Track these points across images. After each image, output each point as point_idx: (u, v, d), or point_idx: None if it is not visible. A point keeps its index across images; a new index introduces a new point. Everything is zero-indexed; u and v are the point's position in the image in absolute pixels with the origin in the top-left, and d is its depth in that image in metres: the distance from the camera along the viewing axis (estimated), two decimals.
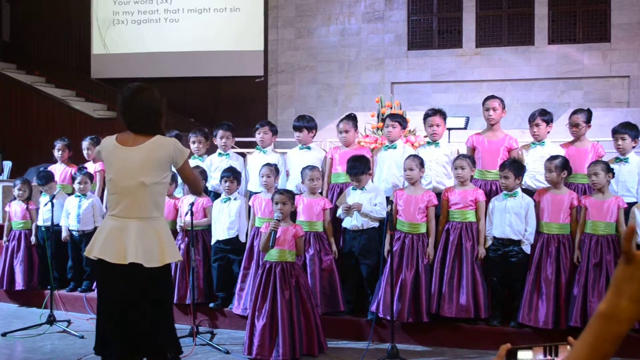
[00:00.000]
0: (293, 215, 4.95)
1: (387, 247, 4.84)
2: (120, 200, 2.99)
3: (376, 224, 5.07)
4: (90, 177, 6.12)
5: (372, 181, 5.24)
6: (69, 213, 6.09)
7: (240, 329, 5.04)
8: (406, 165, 4.96)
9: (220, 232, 5.37)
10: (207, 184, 5.72)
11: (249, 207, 5.32)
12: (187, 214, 5.07)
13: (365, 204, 5.01)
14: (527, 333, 4.78)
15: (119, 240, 2.94)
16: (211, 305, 5.46)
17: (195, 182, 3.18)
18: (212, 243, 5.44)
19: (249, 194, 5.60)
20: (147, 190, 2.96)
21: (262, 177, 5.14)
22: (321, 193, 5.33)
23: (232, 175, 5.35)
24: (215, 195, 5.71)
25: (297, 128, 5.50)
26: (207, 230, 5.52)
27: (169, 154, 3.02)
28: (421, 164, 4.95)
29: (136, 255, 2.93)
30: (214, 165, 5.81)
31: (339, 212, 5.00)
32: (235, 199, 5.37)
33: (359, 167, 4.96)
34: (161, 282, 3.05)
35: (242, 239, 5.33)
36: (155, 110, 3.05)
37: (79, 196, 6.04)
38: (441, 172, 5.31)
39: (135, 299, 2.99)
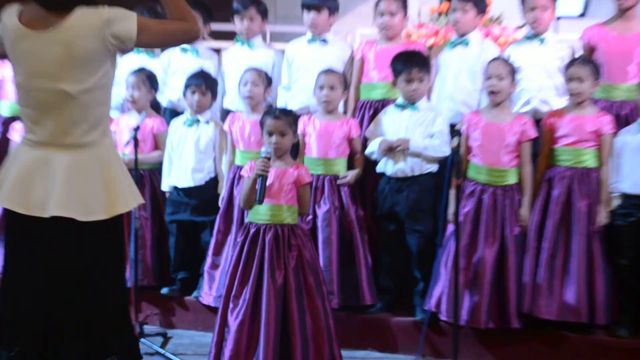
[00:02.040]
0: (296, 148, 4.79)
1: (452, 206, 4.61)
2: (37, 119, 2.99)
3: (434, 168, 4.85)
4: None
5: (429, 99, 5.05)
6: None
7: (212, 329, 4.62)
8: (489, 72, 4.68)
9: (180, 176, 5.25)
10: (160, 97, 5.68)
11: (226, 134, 5.20)
12: (127, 144, 4.84)
13: (417, 135, 4.79)
14: None
15: (38, 180, 2.94)
16: (164, 291, 5.32)
17: (182, 30, 3.06)
18: (167, 192, 5.34)
19: (225, 114, 5.54)
20: (75, 103, 2.94)
21: (245, 85, 5.05)
22: (345, 113, 5.24)
23: (202, 83, 5.18)
24: (173, 114, 5.60)
25: (308, 6, 5.35)
26: (159, 170, 5.37)
27: (102, 35, 2.94)
28: (513, 71, 4.70)
29: (64, 204, 2.92)
30: (173, 67, 5.68)
31: (371, 149, 4.87)
32: (207, 122, 5.24)
33: (415, 61, 4.79)
34: (108, 246, 3.06)
35: (220, 189, 5.21)
36: None
37: None
38: (547, 85, 5.03)
39: (63, 275, 2.98)
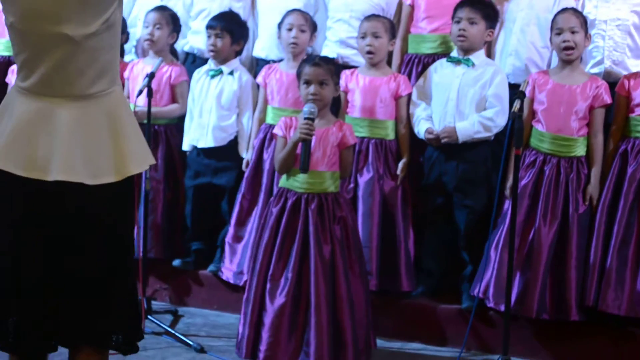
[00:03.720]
0: (337, 105, 4.61)
1: (510, 179, 4.43)
2: (35, 66, 2.90)
3: (489, 135, 4.63)
4: None
5: (488, 55, 4.85)
6: None
7: (230, 309, 4.92)
8: (559, 25, 4.46)
9: (201, 134, 5.09)
10: (181, 41, 5.45)
11: (258, 87, 5.04)
12: (139, 93, 4.63)
13: (470, 96, 4.54)
14: None
15: (39, 136, 2.88)
16: (176, 263, 5.18)
17: None
18: (187, 151, 5.21)
19: (256, 63, 5.36)
20: (79, 48, 2.84)
21: (290, 30, 4.85)
22: (390, 65, 5.03)
23: (219, 24, 4.95)
24: (198, 63, 5.40)
25: None
26: (177, 126, 5.25)
27: None
28: (586, 23, 4.49)
29: (70, 166, 2.84)
30: (197, 7, 5.44)
31: (418, 127, 4.69)
32: (232, 72, 5.03)
33: (471, 0, 4.62)
34: (118, 213, 2.99)
35: (243, 151, 5.07)
36: None
37: None
38: (622, 43, 4.75)
39: (65, 244, 2.90)
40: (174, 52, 5.38)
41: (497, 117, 4.54)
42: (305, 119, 3.93)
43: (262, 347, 4.09)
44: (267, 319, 4.10)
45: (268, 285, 4.12)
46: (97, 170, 2.89)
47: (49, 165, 2.86)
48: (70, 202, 2.91)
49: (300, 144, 3.95)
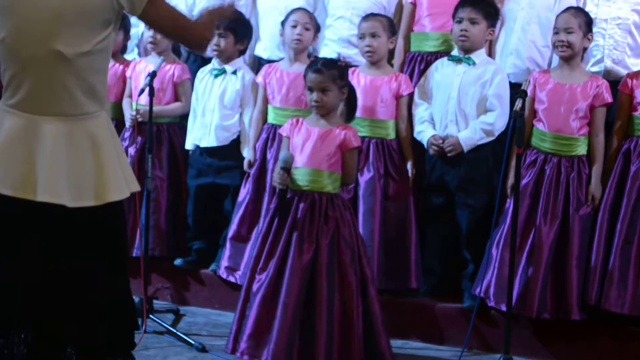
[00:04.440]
0: (351, 105, 4.44)
1: (511, 178, 4.48)
2: (22, 82, 2.91)
3: (492, 138, 4.63)
4: None
5: (489, 54, 4.84)
6: None
7: (231, 308, 4.73)
8: (557, 23, 4.47)
9: (203, 133, 5.08)
10: None
11: (257, 86, 5.02)
12: (141, 92, 4.62)
13: (470, 95, 4.53)
14: None
15: (24, 154, 2.89)
16: (178, 262, 5.19)
17: (192, 31, 3.11)
18: (189, 149, 5.20)
19: (257, 63, 5.35)
20: (70, 67, 2.88)
21: (294, 27, 4.81)
22: (391, 64, 5.01)
23: (230, 24, 4.83)
24: (202, 63, 5.38)
25: None
26: (179, 125, 5.25)
27: None
28: (588, 23, 4.46)
29: (54, 187, 2.87)
30: (199, 6, 5.24)
31: (421, 134, 4.67)
32: (235, 71, 5.02)
33: (472, 0, 4.57)
34: (103, 234, 3.01)
35: (245, 151, 5.03)
36: None
37: None
38: (623, 42, 4.76)
39: (53, 265, 2.95)
40: (176, 51, 5.36)
41: (498, 121, 4.53)
42: (280, 168, 3.99)
43: (242, 339, 4.12)
44: (249, 312, 4.13)
45: (256, 278, 4.17)
46: (78, 193, 2.89)
47: (35, 186, 2.85)
48: (58, 224, 2.92)
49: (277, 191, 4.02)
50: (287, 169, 4.03)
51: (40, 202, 2.87)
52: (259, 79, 4.95)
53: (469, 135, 4.55)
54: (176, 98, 5.16)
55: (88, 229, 2.99)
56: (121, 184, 2.99)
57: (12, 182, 2.89)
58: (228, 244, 4.95)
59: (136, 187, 3.10)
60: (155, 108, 4.74)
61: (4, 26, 2.90)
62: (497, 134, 4.57)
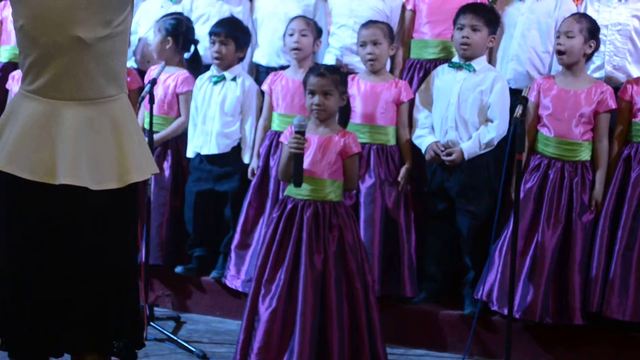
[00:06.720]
0: (347, 114, 4.49)
1: (512, 183, 4.42)
2: (42, 69, 2.89)
3: (492, 147, 4.66)
4: None
5: (489, 61, 4.84)
6: None
7: (232, 316, 4.93)
8: (564, 28, 4.45)
9: (204, 141, 5.06)
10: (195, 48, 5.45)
11: (263, 94, 5.01)
12: (141, 99, 4.61)
13: (470, 101, 4.53)
14: None
15: (45, 139, 2.87)
16: (179, 269, 5.15)
17: None
18: (190, 157, 5.18)
19: (256, 71, 5.36)
20: (90, 51, 2.87)
21: (291, 35, 4.83)
22: (392, 72, 4.99)
23: (223, 31, 4.93)
24: (203, 70, 5.36)
25: None
26: (185, 134, 5.22)
27: None
28: (591, 30, 4.46)
29: (76, 170, 2.85)
30: (197, 13, 5.41)
31: (420, 139, 4.65)
32: (235, 78, 4.98)
33: (472, 7, 4.57)
34: (122, 219, 3.00)
35: (246, 158, 5.04)
36: None
37: None
38: (623, 48, 4.78)
39: (70, 250, 2.91)
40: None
41: (498, 131, 4.53)
42: (295, 132, 3.95)
43: (253, 352, 4.10)
44: (258, 324, 4.11)
45: (262, 291, 4.15)
46: (101, 175, 2.90)
47: (55, 169, 2.86)
48: (76, 207, 2.91)
49: (294, 159, 3.97)
50: (302, 132, 3.99)
51: (60, 186, 2.88)
52: (265, 86, 4.95)
53: (471, 145, 4.55)
54: (179, 108, 5.16)
55: (106, 214, 2.99)
56: (143, 165, 3.02)
57: (31, 166, 2.90)
58: (233, 254, 4.96)
59: (155, 169, 3.11)
60: (160, 135, 4.90)
61: (21, 14, 2.91)
62: (497, 141, 4.57)
